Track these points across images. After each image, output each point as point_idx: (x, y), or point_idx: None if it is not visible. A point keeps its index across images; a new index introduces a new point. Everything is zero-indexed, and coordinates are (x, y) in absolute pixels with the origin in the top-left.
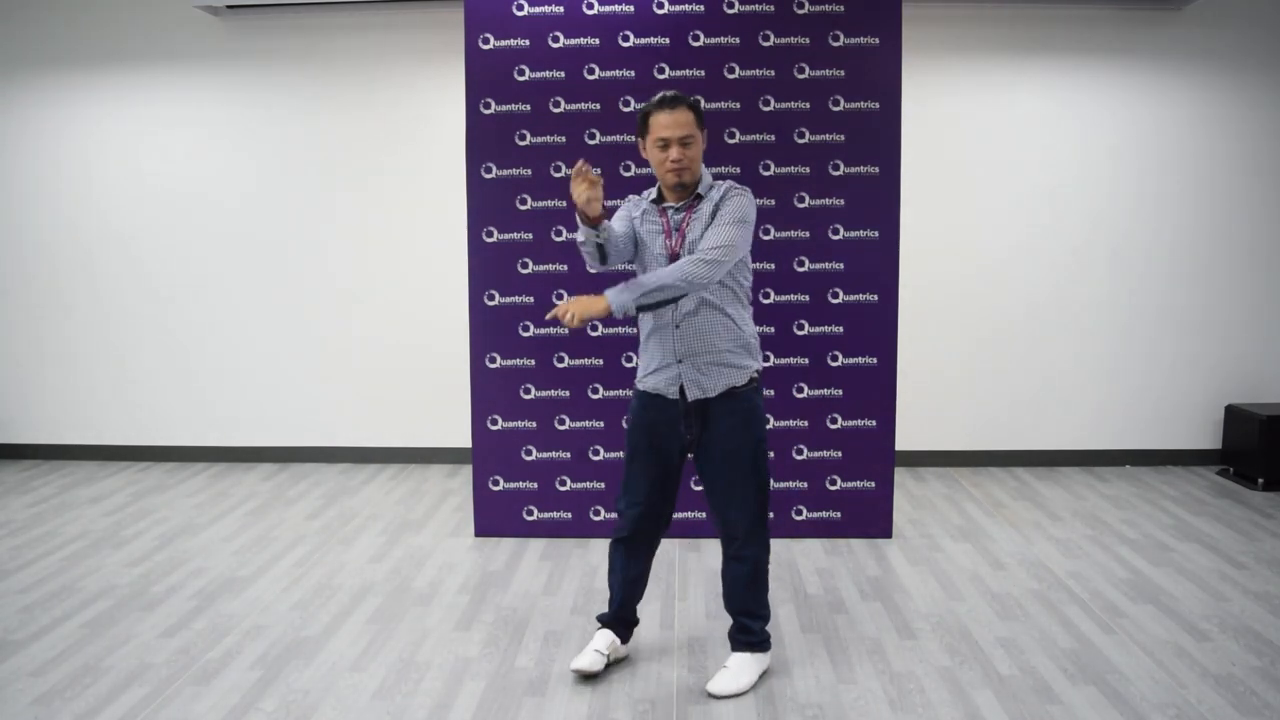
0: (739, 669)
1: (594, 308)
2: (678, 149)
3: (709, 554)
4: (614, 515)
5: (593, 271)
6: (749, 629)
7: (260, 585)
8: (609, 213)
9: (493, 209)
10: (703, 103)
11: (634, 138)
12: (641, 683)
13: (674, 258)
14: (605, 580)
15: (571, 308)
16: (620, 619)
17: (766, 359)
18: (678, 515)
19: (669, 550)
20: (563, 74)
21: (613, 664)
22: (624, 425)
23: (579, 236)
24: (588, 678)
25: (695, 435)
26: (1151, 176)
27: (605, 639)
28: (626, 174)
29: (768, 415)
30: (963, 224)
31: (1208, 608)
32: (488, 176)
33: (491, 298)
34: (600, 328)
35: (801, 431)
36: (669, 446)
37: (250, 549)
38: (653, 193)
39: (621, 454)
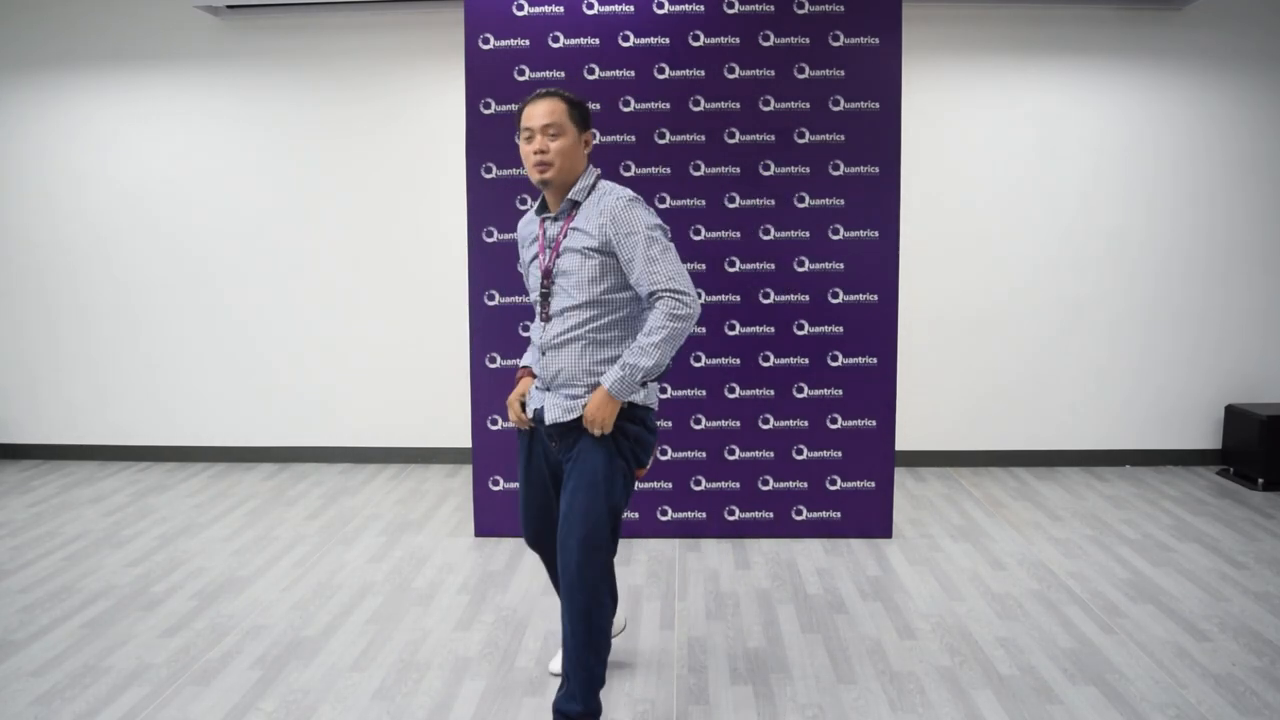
0: None
1: (610, 410)
2: (540, 139)
3: (709, 554)
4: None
5: None
6: None
7: (260, 585)
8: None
9: (493, 209)
10: (589, 104)
11: (628, 137)
12: (641, 683)
13: (546, 274)
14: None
15: (597, 418)
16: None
17: (766, 359)
18: (677, 515)
19: (669, 550)
20: (563, 74)
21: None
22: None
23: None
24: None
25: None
26: (1151, 176)
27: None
28: (626, 174)
29: (767, 415)
30: (962, 224)
31: (1208, 608)
32: (488, 176)
33: (491, 298)
34: None
35: (801, 431)
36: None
37: (250, 549)
38: (536, 203)
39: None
